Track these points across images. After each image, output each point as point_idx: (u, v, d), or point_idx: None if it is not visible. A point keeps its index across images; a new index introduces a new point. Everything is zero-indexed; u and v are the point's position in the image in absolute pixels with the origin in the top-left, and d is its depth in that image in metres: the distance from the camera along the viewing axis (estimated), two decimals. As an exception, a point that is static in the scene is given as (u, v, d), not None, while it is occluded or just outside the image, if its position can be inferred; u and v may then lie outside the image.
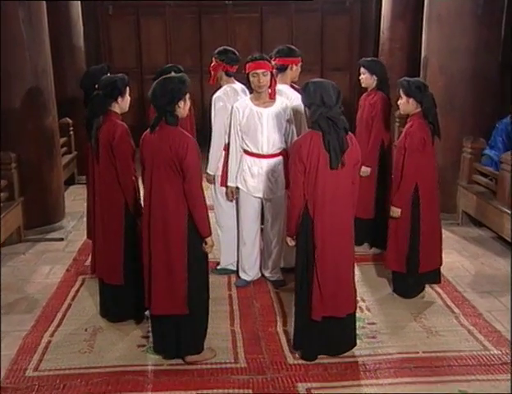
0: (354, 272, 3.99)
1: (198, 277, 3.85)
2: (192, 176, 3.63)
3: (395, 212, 4.63)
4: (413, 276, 4.75)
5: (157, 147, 3.64)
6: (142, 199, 3.89)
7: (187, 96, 3.71)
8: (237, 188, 4.94)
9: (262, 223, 5.17)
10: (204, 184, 4.01)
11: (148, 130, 3.75)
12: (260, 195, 4.88)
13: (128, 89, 4.29)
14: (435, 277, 4.92)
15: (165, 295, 3.80)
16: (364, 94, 5.80)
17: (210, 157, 5.07)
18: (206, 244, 3.80)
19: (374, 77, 5.58)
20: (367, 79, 5.62)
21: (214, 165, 5.07)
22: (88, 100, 4.51)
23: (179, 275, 3.75)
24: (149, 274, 3.82)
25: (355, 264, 4.07)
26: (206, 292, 3.98)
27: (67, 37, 8.48)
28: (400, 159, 4.57)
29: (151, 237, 3.76)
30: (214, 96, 5.08)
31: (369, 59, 5.86)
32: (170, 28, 11.00)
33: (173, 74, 3.80)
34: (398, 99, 4.65)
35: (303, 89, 3.74)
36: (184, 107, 3.71)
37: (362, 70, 5.64)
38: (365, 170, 5.53)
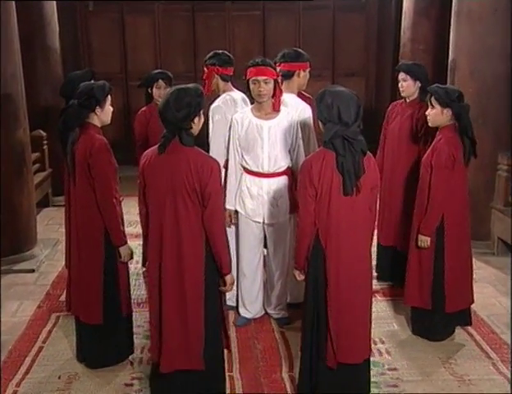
0: (371, 312, 3.97)
1: (215, 323, 3.84)
2: (216, 205, 3.65)
3: (424, 241, 4.62)
4: (438, 314, 4.72)
5: (174, 170, 3.62)
6: (148, 226, 3.83)
7: (202, 111, 3.71)
8: (236, 211, 4.94)
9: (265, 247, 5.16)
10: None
11: (154, 150, 3.72)
12: (259, 220, 4.88)
13: (109, 98, 4.29)
14: (465, 318, 4.89)
15: (179, 348, 3.75)
16: (399, 102, 5.72)
17: None
18: (225, 282, 3.80)
19: (418, 84, 5.46)
20: (409, 86, 5.47)
21: None
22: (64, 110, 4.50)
23: (196, 323, 3.73)
24: (159, 324, 3.78)
25: (374, 299, 4.02)
26: (221, 341, 3.95)
27: (40, 37, 8.52)
28: (427, 179, 4.57)
29: (163, 280, 3.73)
30: (212, 106, 5.12)
31: (410, 62, 5.80)
32: (159, 27, 11.07)
33: (190, 84, 3.71)
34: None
35: (318, 99, 3.70)
36: (198, 124, 3.71)
37: (402, 75, 5.49)
38: None
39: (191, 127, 3.63)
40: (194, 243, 3.68)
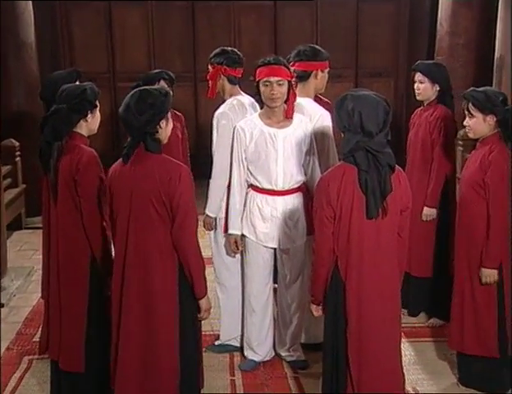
0: (400, 354, 3.96)
1: (191, 360, 3.87)
2: (186, 217, 3.71)
3: (491, 275, 4.53)
4: (494, 359, 4.64)
5: (137, 182, 3.70)
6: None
7: (169, 114, 3.82)
8: (242, 236, 4.94)
9: (275, 283, 5.16)
10: (200, 229, 4.01)
11: (120, 160, 3.81)
12: (274, 245, 4.90)
13: (98, 102, 4.34)
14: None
15: (145, 387, 3.79)
16: (419, 109, 5.82)
17: (210, 193, 5.09)
18: (200, 307, 3.88)
19: (436, 87, 5.57)
20: (426, 89, 5.60)
21: (216, 204, 5.09)
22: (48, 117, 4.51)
23: (168, 359, 3.77)
24: (121, 358, 3.81)
25: (406, 340, 4.00)
26: (198, 381, 3.99)
27: (12, 31, 8.54)
28: (479, 202, 4.52)
29: (125, 308, 3.78)
30: (217, 112, 5.14)
31: (429, 62, 5.89)
32: (153, 20, 11.11)
33: (153, 86, 3.85)
34: (464, 118, 4.64)
35: (338, 104, 3.73)
36: (166, 129, 3.81)
37: (419, 77, 5.62)
38: (428, 212, 5.55)
39: (157, 131, 3.72)
40: (164, 265, 3.75)
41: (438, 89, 5.57)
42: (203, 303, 3.88)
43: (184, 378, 3.82)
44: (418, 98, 5.73)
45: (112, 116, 10.75)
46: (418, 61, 5.85)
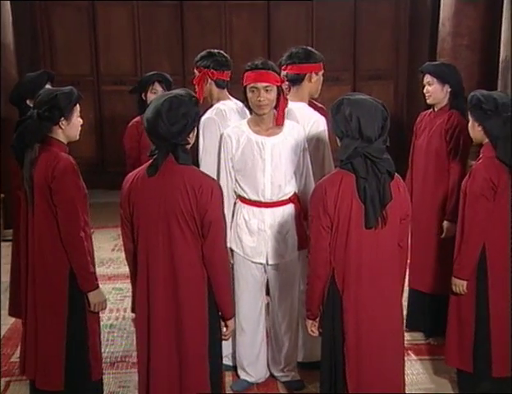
0: (403, 372, 3.97)
1: (217, 378, 3.97)
2: (218, 233, 3.78)
3: (459, 285, 4.61)
4: (484, 379, 4.67)
5: (167, 194, 3.72)
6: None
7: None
8: (231, 249, 4.91)
9: (268, 294, 5.17)
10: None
11: (140, 172, 3.81)
12: (262, 260, 4.87)
13: (78, 107, 4.32)
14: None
15: None
16: (427, 113, 5.78)
17: None
18: (228, 327, 3.97)
19: (446, 88, 5.53)
20: (436, 91, 5.55)
21: None
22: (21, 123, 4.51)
23: (199, 375, 3.83)
24: (152, 375, 3.84)
25: (406, 358, 4.01)
26: None
27: (-12, 31, 8.55)
28: (464, 209, 4.58)
29: (153, 332, 3.81)
30: (203, 118, 5.12)
31: (438, 63, 5.85)
32: (139, 19, 11.12)
33: (180, 90, 3.83)
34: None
35: (334, 109, 3.75)
36: (192, 139, 3.84)
37: (428, 78, 5.58)
38: (450, 226, 5.40)
39: (188, 143, 3.75)
40: (194, 282, 3.79)
41: (449, 90, 5.52)
42: (230, 324, 3.97)
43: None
44: (428, 101, 5.66)
45: (96, 122, 10.74)
46: (426, 63, 5.83)
